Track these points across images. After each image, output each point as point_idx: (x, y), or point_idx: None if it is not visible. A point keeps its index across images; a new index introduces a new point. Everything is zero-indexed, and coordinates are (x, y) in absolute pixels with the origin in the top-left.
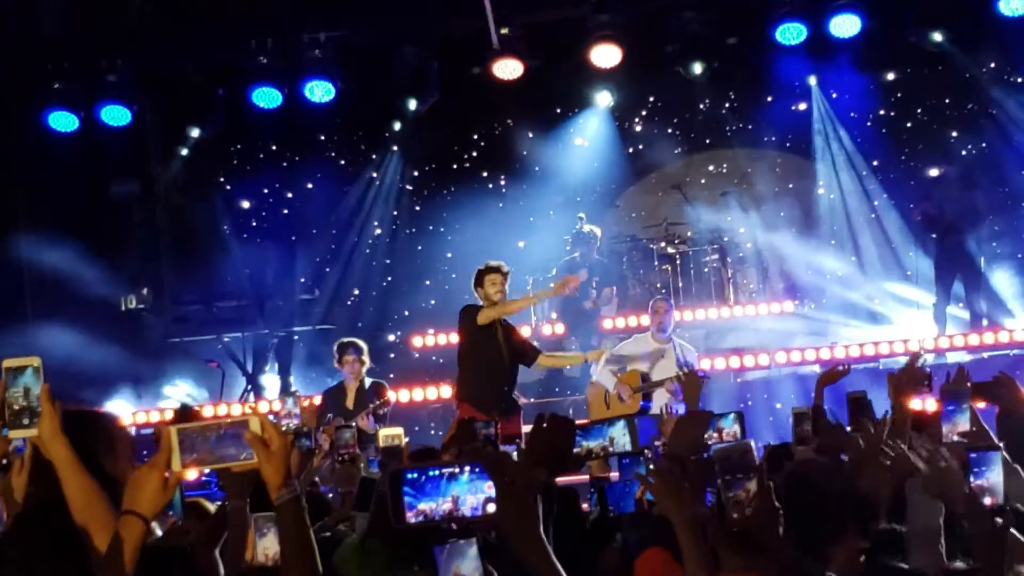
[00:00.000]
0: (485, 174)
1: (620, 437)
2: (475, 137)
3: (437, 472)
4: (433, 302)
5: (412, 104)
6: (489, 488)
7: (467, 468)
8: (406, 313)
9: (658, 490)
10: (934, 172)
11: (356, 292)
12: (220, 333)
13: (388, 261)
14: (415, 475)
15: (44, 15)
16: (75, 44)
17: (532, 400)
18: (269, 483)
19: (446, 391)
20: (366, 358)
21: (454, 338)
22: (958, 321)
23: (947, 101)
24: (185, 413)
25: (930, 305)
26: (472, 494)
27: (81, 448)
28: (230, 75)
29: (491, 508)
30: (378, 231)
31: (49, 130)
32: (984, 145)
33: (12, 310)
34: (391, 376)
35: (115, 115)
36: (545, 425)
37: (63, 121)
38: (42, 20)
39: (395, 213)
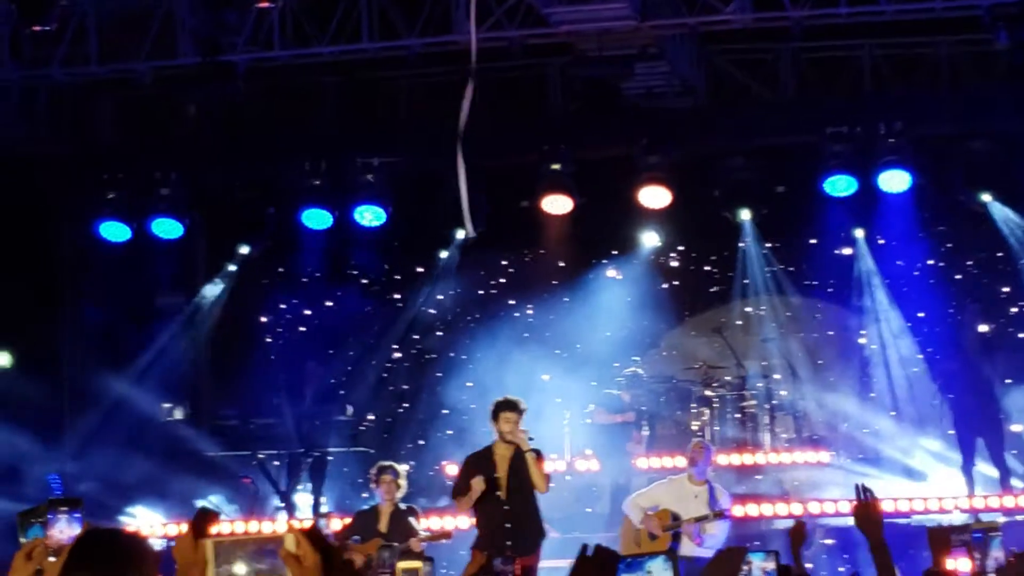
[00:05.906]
0: (512, 302)
1: (660, 572)
2: (504, 263)
3: None
4: (450, 432)
5: (460, 233)
6: None
7: None
8: (420, 442)
9: None
10: (984, 328)
11: (371, 416)
12: (256, 450)
13: (406, 387)
14: None
15: (100, 121)
16: (130, 154)
17: (560, 535)
18: None
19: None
20: (403, 482)
21: None
22: (991, 480)
23: (998, 255)
24: (205, 516)
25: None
26: None
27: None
28: (282, 194)
29: None
30: (398, 354)
31: (100, 239)
32: None
33: (52, 417)
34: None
35: (167, 228)
36: (590, 555)
37: (115, 231)
38: (97, 126)
39: (416, 337)
